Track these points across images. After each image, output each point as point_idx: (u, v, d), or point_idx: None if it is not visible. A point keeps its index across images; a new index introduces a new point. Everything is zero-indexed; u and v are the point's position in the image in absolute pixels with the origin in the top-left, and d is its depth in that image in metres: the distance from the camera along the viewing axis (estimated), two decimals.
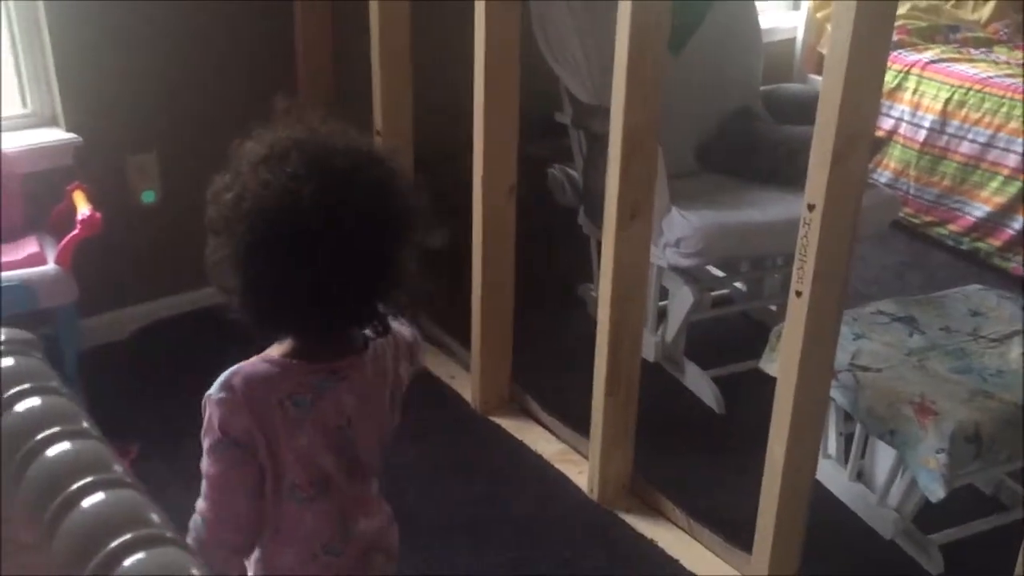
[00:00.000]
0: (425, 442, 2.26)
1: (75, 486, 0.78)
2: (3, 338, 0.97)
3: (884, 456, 2.00)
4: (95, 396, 2.06)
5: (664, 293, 2.54)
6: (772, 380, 1.68)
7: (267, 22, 2.64)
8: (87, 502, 0.77)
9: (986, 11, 3.73)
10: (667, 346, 2.55)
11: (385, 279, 1.12)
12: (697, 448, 2.32)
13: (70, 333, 2.17)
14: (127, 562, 0.71)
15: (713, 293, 2.69)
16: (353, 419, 1.19)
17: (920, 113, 3.35)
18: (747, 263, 2.73)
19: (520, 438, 2.32)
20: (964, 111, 3.21)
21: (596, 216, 2.26)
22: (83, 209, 2.13)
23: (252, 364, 1.16)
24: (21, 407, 0.89)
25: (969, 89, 3.22)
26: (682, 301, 2.44)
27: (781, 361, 1.64)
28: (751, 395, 2.04)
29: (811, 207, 1.49)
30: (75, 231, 2.09)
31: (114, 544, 0.72)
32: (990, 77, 3.23)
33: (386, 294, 1.13)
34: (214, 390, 1.13)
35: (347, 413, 1.18)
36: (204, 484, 1.16)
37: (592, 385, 2.05)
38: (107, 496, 0.78)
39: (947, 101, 3.26)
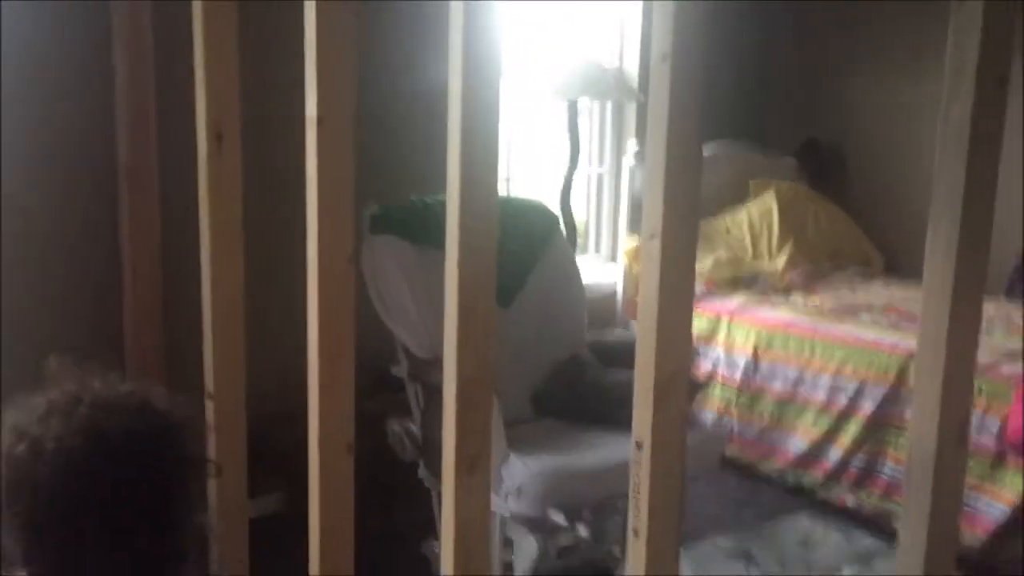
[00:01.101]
0: None
1: None
2: None
3: None
4: None
5: (509, 544, 2.50)
6: None
7: (94, 290, 2.61)
8: None
9: (781, 261, 4.12)
10: None
11: (170, 525, 1.13)
12: None
13: None
14: None
15: (558, 542, 2.67)
16: None
17: (734, 355, 3.58)
18: (588, 509, 2.74)
19: None
20: (772, 351, 3.47)
21: (436, 469, 2.24)
22: None
23: None
24: None
25: (773, 332, 3.49)
26: (527, 552, 2.41)
27: None
28: None
29: (639, 445, 1.54)
30: None
31: None
32: (791, 321, 3.53)
33: (172, 539, 1.13)
34: None
35: None
36: None
37: None
38: None
39: (756, 343, 3.51)
